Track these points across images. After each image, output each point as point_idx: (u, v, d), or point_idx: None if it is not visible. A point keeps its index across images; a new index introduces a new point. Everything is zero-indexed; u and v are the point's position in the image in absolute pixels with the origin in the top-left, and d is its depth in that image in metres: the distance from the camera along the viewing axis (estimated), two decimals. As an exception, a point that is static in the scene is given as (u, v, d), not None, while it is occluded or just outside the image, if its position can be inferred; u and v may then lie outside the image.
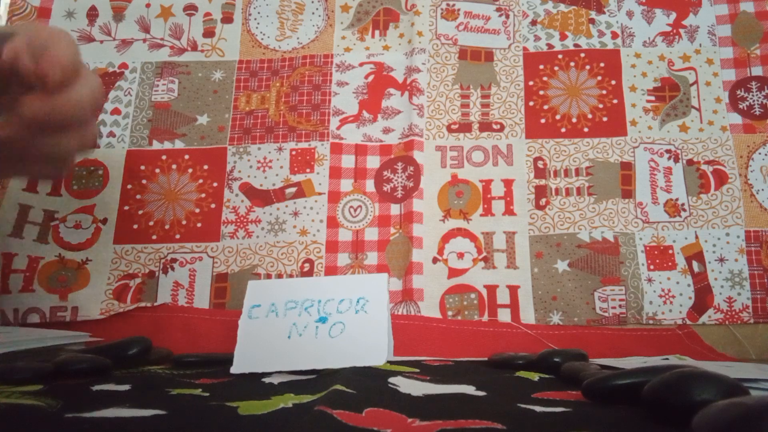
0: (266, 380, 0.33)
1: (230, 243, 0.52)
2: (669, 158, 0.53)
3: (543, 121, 0.55)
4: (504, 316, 0.49)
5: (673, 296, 0.49)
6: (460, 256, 0.51)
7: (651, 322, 0.49)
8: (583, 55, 0.57)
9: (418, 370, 0.36)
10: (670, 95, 0.55)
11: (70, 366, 0.33)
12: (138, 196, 0.53)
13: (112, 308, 0.49)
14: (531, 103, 0.55)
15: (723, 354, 0.48)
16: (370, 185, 0.53)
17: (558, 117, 0.55)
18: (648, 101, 0.55)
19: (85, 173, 0.54)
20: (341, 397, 0.26)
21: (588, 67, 0.56)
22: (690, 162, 0.53)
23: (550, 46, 0.57)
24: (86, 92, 0.38)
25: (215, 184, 0.54)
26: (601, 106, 0.55)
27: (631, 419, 0.23)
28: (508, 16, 0.58)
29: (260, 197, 0.53)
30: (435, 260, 0.51)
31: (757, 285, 0.49)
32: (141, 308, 0.49)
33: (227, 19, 0.59)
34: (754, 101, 0.54)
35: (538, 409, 0.25)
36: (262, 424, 0.22)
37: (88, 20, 0.59)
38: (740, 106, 0.54)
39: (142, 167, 0.54)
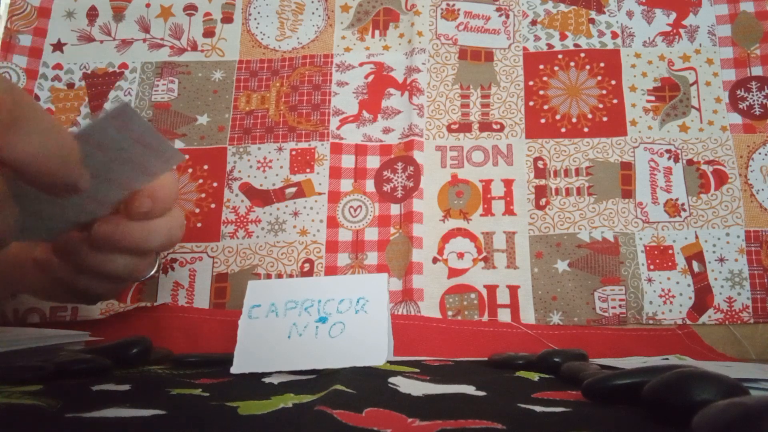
0: (266, 380, 0.33)
1: (230, 243, 0.52)
2: (669, 158, 0.53)
3: (543, 121, 0.55)
4: (504, 316, 0.49)
5: (673, 296, 0.49)
6: (460, 256, 0.51)
7: (651, 322, 0.49)
8: (583, 55, 0.57)
9: (418, 370, 0.36)
10: (670, 95, 0.55)
11: (70, 366, 0.33)
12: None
13: (112, 308, 0.49)
14: (531, 103, 0.55)
15: (723, 354, 0.48)
16: (370, 185, 0.53)
17: (558, 117, 0.55)
18: (648, 101, 0.55)
19: (85, 173, 0.54)
20: (341, 397, 0.26)
21: (588, 67, 0.56)
22: (690, 162, 0.53)
23: (550, 46, 0.57)
24: (164, 228, 0.39)
25: (215, 184, 0.54)
26: (601, 106, 0.55)
27: (631, 419, 0.23)
28: (508, 16, 0.58)
29: (260, 197, 0.53)
30: (435, 260, 0.51)
31: (757, 285, 0.49)
32: (141, 308, 0.49)
33: (227, 19, 0.59)
34: (754, 101, 0.54)
35: (538, 409, 0.25)
36: (262, 424, 0.22)
37: (88, 20, 0.59)
38: (740, 106, 0.54)
39: (142, 167, 0.54)
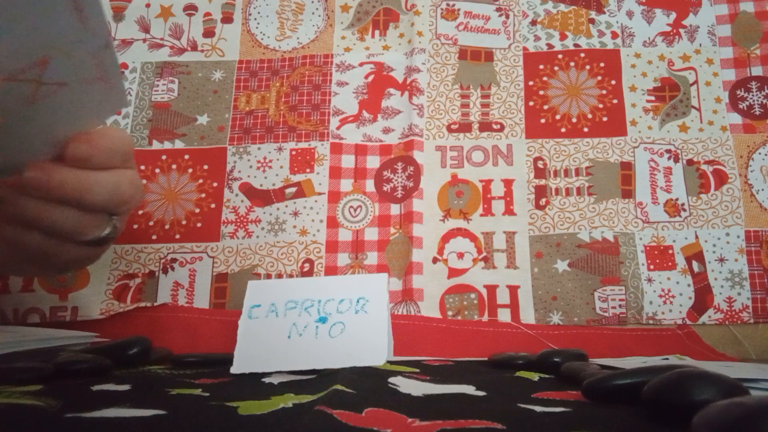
0: (266, 380, 0.33)
1: (230, 243, 0.52)
2: (669, 158, 0.53)
3: (543, 121, 0.55)
4: (504, 316, 0.49)
5: (673, 296, 0.49)
6: (460, 256, 0.51)
7: (651, 322, 0.49)
8: (583, 55, 0.57)
9: (418, 370, 0.36)
10: (670, 95, 0.55)
11: (70, 366, 0.33)
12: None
13: (112, 308, 0.49)
14: (531, 103, 0.55)
15: (723, 354, 0.48)
16: (370, 185, 0.54)
17: (558, 117, 0.55)
18: (648, 101, 0.55)
19: (85, 173, 0.54)
20: (341, 397, 0.26)
21: (588, 67, 0.56)
22: (690, 162, 0.53)
23: (550, 46, 0.57)
24: (107, 182, 0.36)
25: (215, 184, 0.54)
26: (601, 106, 0.55)
27: (631, 419, 0.23)
28: (508, 16, 0.58)
29: (260, 197, 0.53)
30: (435, 260, 0.51)
31: (757, 285, 0.49)
32: (141, 308, 0.49)
33: (227, 19, 0.59)
34: (754, 101, 0.54)
35: (538, 409, 0.25)
36: (262, 424, 0.22)
37: (88, 20, 0.59)
38: (740, 106, 0.54)
39: (142, 167, 0.54)
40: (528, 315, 0.49)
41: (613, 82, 0.55)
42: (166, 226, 0.53)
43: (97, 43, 0.31)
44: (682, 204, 0.52)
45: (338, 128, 0.55)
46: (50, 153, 0.34)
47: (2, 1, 0.27)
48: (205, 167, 0.54)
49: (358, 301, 0.40)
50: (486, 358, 0.43)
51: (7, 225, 0.35)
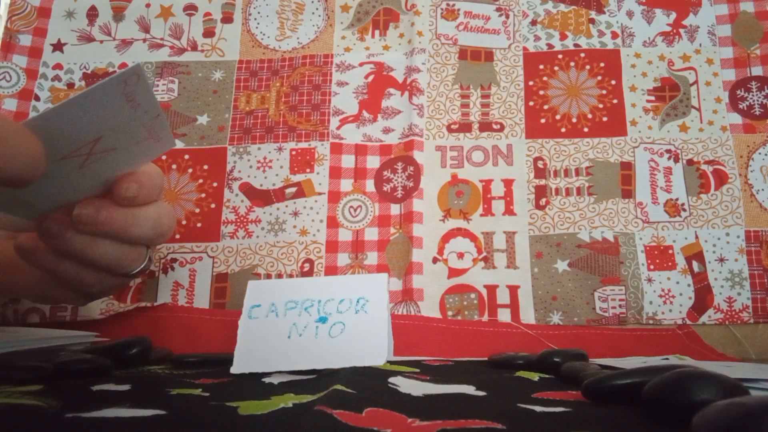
0: (266, 380, 0.33)
1: (230, 243, 0.52)
2: (669, 158, 0.53)
3: (543, 121, 0.55)
4: (504, 316, 0.49)
5: (673, 296, 0.49)
6: (460, 256, 0.51)
7: (651, 322, 0.49)
8: (583, 55, 0.57)
9: (418, 370, 0.36)
10: (670, 95, 0.55)
11: (70, 366, 0.33)
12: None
13: (112, 308, 0.49)
14: (531, 103, 0.55)
15: (723, 354, 0.48)
16: (370, 185, 0.53)
17: (558, 117, 0.55)
18: (648, 101, 0.55)
19: (85, 173, 0.54)
20: (341, 397, 0.26)
21: (588, 67, 0.56)
22: (690, 162, 0.53)
23: (550, 46, 0.57)
24: (150, 217, 0.38)
25: (215, 184, 0.54)
26: (601, 106, 0.55)
27: (631, 419, 0.23)
28: (508, 16, 0.58)
29: (260, 197, 0.53)
30: (435, 260, 0.51)
31: (757, 285, 0.49)
32: (141, 308, 0.49)
33: (227, 19, 0.59)
34: (754, 101, 0.54)
35: (538, 409, 0.25)
36: (262, 424, 0.22)
37: (88, 20, 0.59)
38: (740, 106, 0.54)
39: (142, 167, 0.54)
40: (528, 315, 0.49)
41: (613, 82, 0.55)
42: (166, 226, 0.52)
43: (147, 118, 0.33)
44: (682, 204, 0.52)
45: (338, 128, 0.55)
46: (99, 192, 0.37)
47: (58, 105, 0.29)
48: (205, 167, 0.54)
49: (358, 301, 0.40)
50: (486, 358, 0.43)
51: (54, 258, 0.37)
